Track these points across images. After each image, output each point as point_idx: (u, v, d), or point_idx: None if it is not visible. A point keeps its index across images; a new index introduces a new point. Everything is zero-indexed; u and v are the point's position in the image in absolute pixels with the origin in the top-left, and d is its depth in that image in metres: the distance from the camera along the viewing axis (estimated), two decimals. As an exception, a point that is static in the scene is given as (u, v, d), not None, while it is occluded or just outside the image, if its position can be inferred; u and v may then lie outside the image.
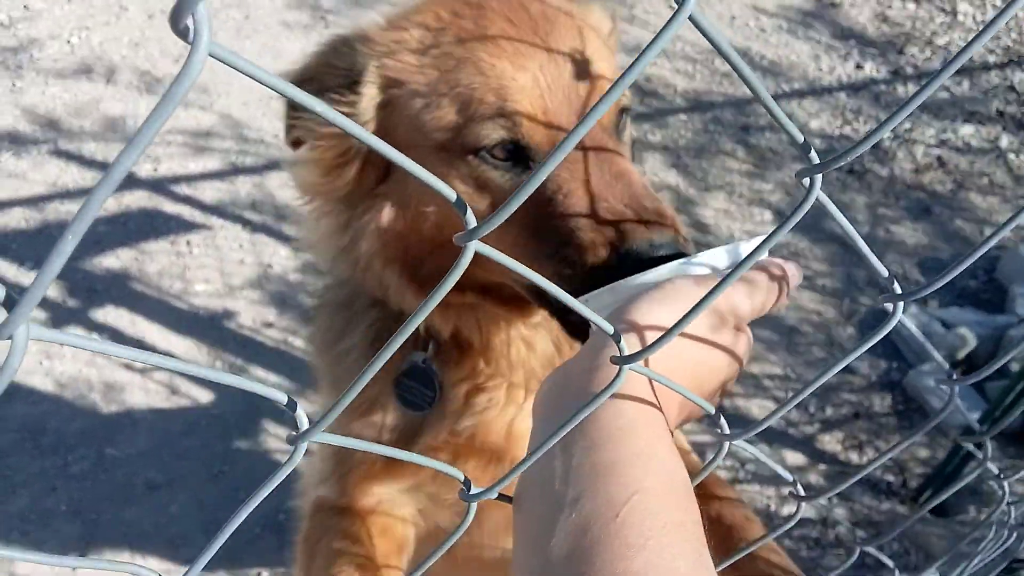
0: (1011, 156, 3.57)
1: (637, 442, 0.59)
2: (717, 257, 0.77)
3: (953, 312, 2.86)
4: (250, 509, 0.52)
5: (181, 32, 0.31)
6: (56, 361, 2.65)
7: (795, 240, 3.17)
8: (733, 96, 3.76)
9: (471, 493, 0.64)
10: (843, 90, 3.86)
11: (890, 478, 2.49)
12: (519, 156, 0.90)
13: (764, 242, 0.60)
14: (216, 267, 2.95)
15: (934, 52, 4.04)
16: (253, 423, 2.58)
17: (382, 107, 0.96)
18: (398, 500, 1.25)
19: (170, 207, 3.10)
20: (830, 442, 2.58)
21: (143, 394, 2.61)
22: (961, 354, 2.71)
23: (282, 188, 3.21)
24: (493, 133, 0.88)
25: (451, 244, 0.92)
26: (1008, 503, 1.15)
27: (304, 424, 0.50)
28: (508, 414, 1.15)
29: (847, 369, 2.78)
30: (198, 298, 2.86)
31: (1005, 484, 1.07)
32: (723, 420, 0.75)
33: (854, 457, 2.53)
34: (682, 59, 3.90)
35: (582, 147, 0.88)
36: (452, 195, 0.45)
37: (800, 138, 0.51)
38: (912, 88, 3.86)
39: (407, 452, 0.61)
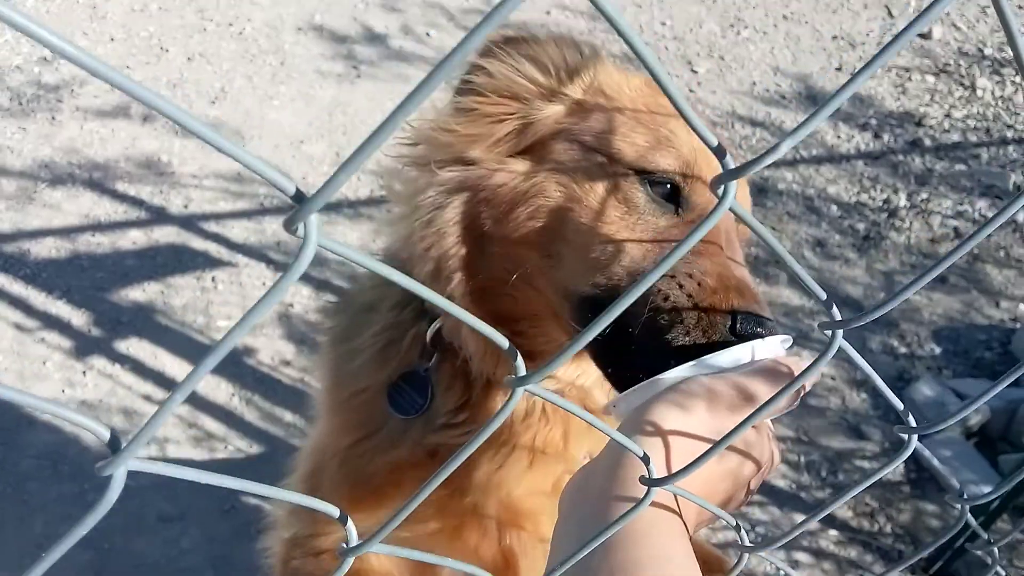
0: (1027, 230, 3.60)
1: (655, 545, 0.62)
2: (736, 354, 0.81)
3: (967, 383, 2.86)
4: None
5: (293, 232, 0.36)
6: (79, 389, 2.70)
7: (809, 303, 3.19)
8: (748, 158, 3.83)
9: None
10: (861, 158, 3.92)
11: (901, 547, 2.47)
12: (672, 198, 0.99)
13: (802, 375, 0.65)
14: (239, 304, 3.00)
15: (952, 125, 4.11)
16: (268, 462, 2.60)
17: (576, 104, 1.04)
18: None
19: (198, 243, 3.17)
20: (841, 508, 2.57)
21: (162, 427, 2.64)
22: (974, 425, 2.71)
23: (308, 230, 3.27)
24: (668, 166, 0.97)
25: (534, 248, 0.98)
26: None
27: (354, 539, 0.53)
28: (495, 468, 1.18)
29: (859, 435, 2.78)
30: (219, 333, 2.91)
31: None
32: (743, 532, 0.78)
33: (866, 524, 2.51)
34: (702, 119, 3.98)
35: (723, 237, 0.97)
36: (504, 343, 0.49)
37: (713, 141, 0.51)
38: (930, 160, 3.92)
39: (444, 558, 0.64)
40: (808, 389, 0.83)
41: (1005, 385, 0.75)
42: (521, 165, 1.02)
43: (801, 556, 2.40)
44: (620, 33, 0.41)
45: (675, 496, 0.70)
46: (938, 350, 3.09)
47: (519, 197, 1.00)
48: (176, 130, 3.59)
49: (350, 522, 0.55)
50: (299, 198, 0.37)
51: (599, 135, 0.99)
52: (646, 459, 0.65)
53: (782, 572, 2.41)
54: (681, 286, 0.90)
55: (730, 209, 0.53)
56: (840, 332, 0.62)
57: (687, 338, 0.87)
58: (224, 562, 2.35)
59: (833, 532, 2.50)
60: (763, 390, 0.77)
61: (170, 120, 0.35)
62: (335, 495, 1.25)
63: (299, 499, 0.53)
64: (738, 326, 0.86)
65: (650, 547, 0.63)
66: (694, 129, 0.50)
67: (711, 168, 0.97)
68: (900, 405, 0.73)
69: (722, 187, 0.51)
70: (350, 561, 0.55)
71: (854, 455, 2.72)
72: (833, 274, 3.36)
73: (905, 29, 0.48)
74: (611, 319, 0.54)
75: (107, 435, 0.39)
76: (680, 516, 0.70)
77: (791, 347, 0.91)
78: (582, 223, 0.96)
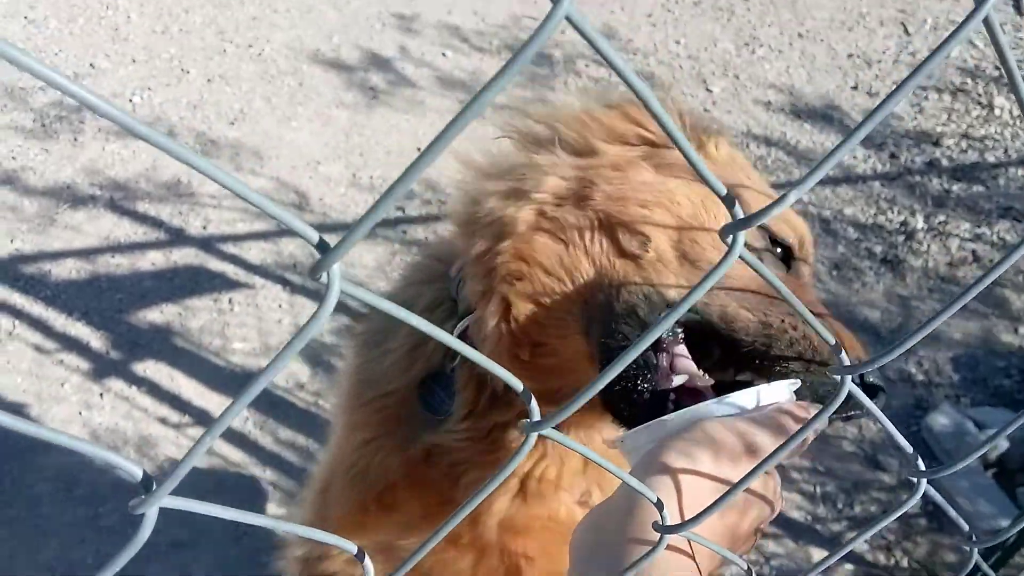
0: (1047, 254, 3.56)
1: None
2: (742, 398, 0.81)
3: (986, 411, 2.83)
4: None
5: (317, 279, 0.37)
6: (95, 412, 2.72)
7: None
8: (768, 182, 3.81)
9: None
10: (877, 179, 3.90)
11: (918, 581, 2.44)
12: (785, 260, 1.10)
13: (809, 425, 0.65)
14: (255, 326, 3.03)
15: (970, 145, 4.08)
16: (280, 487, 2.62)
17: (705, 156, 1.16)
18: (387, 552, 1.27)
19: (216, 264, 3.20)
20: (859, 544, 2.54)
21: (175, 449, 2.66)
22: (993, 456, 2.68)
23: (323, 252, 3.30)
24: (787, 236, 1.09)
25: (637, 236, 1.01)
26: None
27: (371, 574, 0.54)
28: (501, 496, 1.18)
29: (876, 466, 2.75)
30: (235, 356, 2.93)
31: None
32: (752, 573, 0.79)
33: (881, 558, 2.49)
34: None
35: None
36: (519, 386, 0.50)
37: (723, 191, 0.51)
38: (947, 181, 3.89)
39: None
40: (814, 437, 0.83)
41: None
42: (649, 172, 1.07)
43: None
44: (638, 95, 0.42)
45: (689, 543, 0.71)
46: (956, 377, 3.06)
47: (645, 191, 1.03)
48: (196, 150, 3.63)
49: (367, 560, 0.56)
50: (323, 248, 0.39)
51: (729, 185, 1.05)
52: (660, 505, 0.66)
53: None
54: (794, 328, 0.96)
55: (740, 257, 0.54)
56: (849, 378, 0.63)
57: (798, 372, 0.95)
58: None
59: (849, 566, 2.48)
60: (767, 441, 0.78)
61: (190, 166, 0.37)
62: (343, 500, 1.26)
63: (323, 536, 0.54)
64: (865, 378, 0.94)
65: None
66: (703, 178, 0.50)
67: (810, 241, 1.11)
68: (910, 449, 0.74)
69: (731, 236, 0.52)
70: None
71: (871, 486, 2.69)
72: (850, 298, 3.34)
73: (921, 64, 0.48)
74: (639, 351, 0.54)
75: (140, 474, 0.40)
76: (693, 558, 0.70)
77: (797, 390, 0.91)
78: (697, 243, 1.00)
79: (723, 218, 1.00)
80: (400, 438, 1.22)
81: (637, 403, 0.92)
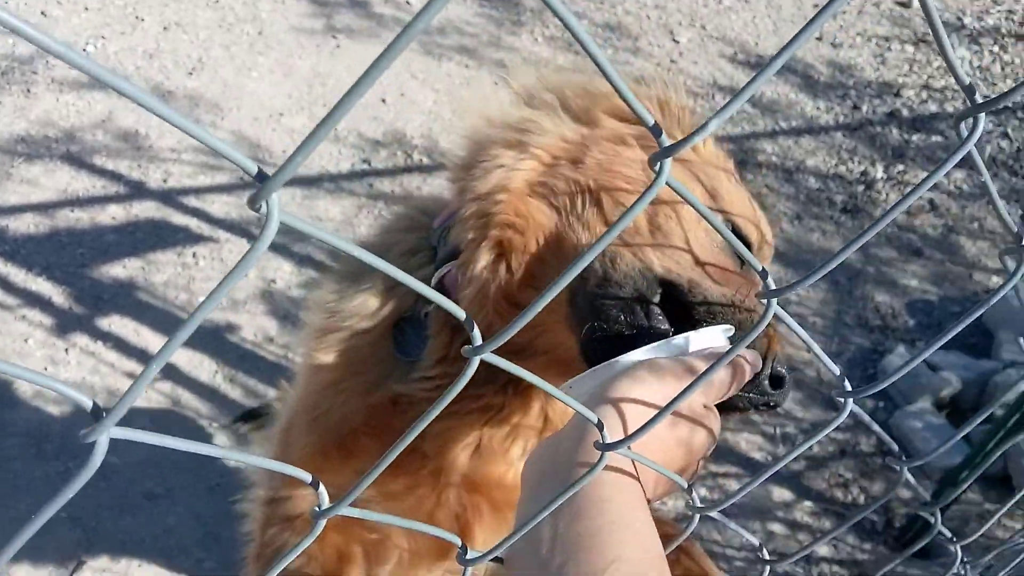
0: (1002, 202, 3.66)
1: (616, 511, 0.66)
2: (681, 341, 0.88)
3: (940, 355, 2.93)
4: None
5: (257, 210, 0.38)
6: (61, 367, 2.70)
7: (786, 276, 3.24)
8: (731, 133, 3.84)
9: (468, 558, 0.70)
10: (839, 130, 3.94)
11: (874, 518, 2.55)
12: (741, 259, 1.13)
13: (733, 348, 0.69)
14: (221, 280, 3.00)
15: (930, 96, 4.14)
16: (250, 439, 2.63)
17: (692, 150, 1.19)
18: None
19: (179, 219, 3.16)
20: (816, 479, 2.64)
21: (145, 403, 2.65)
22: (946, 397, 2.78)
23: (288, 204, 3.27)
24: (752, 236, 1.13)
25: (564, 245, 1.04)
26: (963, 561, 1.22)
27: (326, 502, 0.56)
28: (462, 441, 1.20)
29: (834, 407, 2.84)
30: (202, 310, 2.91)
31: (958, 547, 1.14)
32: (695, 494, 0.82)
33: (839, 495, 2.59)
34: (684, 93, 3.98)
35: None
36: (461, 315, 0.51)
37: (650, 120, 0.52)
38: (907, 131, 3.95)
39: (412, 521, 0.67)
40: (754, 367, 0.90)
41: (929, 353, 0.79)
42: (640, 152, 1.11)
43: (776, 527, 2.48)
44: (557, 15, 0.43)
45: (634, 465, 0.74)
46: (912, 322, 3.16)
47: (633, 167, 1.08)
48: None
49: (322, 487, 0.58)
50: (261, 177, 0.40)
51: (711, 179, 1.13)
52: (600, 425, 0.69)
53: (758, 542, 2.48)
54: (743, 303, 1.00)
55: (667, 184, 0.56)
56: (775, 301, 0.66)
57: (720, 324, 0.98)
58: (211, 539, 2.39)
59: (808, 503, 2.58)
60: (705, 366, 0.83)
61: (136, 103, 0.37)
62: (303, 442, 1.26)
63: (275, 465, 0.56)
64: (772, 370, 0.97)
65: (611, 513, 0.67)
66: (629, 105, 0.51)
67: (767, 252, 1.15)
68: (837, 370, 0.78)
69: (658, 164, 0.54)
70: (322, 523, 0.58)
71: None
72: (811, 245, 3.41)
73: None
74: (570, 278, 0.57)
75: (90, 404, 0.42)
76: (639, 483, 0.74)
77: (732, 336, 0.97)
78: (672, 218, 1.06)
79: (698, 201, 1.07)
80: (366, 381, 1.21)
81: (614, 346, 0.95)
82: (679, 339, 0.89)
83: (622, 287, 1.01)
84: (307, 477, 0.57)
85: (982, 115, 0.58)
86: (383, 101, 3.72)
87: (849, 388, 0.75)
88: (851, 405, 0.76)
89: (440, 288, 1.14)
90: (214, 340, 2.83)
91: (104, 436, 0.42)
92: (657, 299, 1.01)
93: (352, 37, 3.97)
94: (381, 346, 1.21)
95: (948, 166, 0.60)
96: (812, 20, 0.50)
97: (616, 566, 0.62)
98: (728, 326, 0.94)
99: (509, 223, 1.07)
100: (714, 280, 1.02)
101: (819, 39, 4.39)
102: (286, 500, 1.29)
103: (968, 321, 0.74)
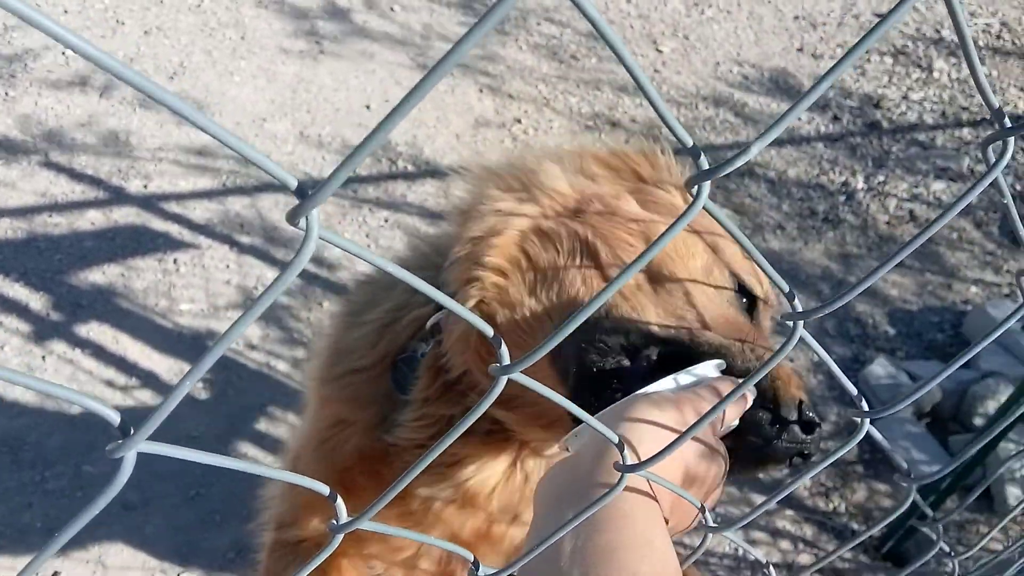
0: (980, 213, 3.70)
1: (635, 528, 0.66)
2: (705, 369, 0.87)
3: (919, 364, 2.96)
4: None
5: (296, 225, 0.37)
6: (39, 374, 2.65)
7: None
8: (714, 143, 3.87)
9: (480, 574, 0.70)
10: (820, 140, 3.98)
11: (855, 526, 2.56)
12: (748, 311, 1.14)
13: (747, 380, 0.69)
14: (202, 287, 2.97)
15: (910, 107, 4.19)
16: (232, 446, 2.60)
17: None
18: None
19: (159, 224, 3.12)
20: (798, 488, 2.65)
21: (124, 412, 2.62)
22: (926, 406, 2.81)
23: (271, 210, 3.25)
24: (757, 292, 1.15)
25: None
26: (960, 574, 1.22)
27: (344, 516, 0.55)
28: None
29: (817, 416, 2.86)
30: (183, 317, 2.88)
31: (955, 561, 1.14)
32: (707, 514, 0.82)
33: (821, 504, 2.60)
34: (667, 102, 4.01)
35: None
36: (489, 331, 0.51)
37: (689, 141, 0.52)
38: (887, 142, 4.00)
39: (427, 536, 0.66)
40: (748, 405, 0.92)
41: (954, 369, 0.79)
42: (636, 207, 1.14)
43: (758, 535, 2.49)
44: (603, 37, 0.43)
45: (651, 486, 0.74)
46: (892, 332, 3.19)
47: (631, 218, 1.10)
48: (134, 106, 3.51)
49: (339, 500, 0.58)
50: (301, 193, 0.39)
51: (710, 234, 1.14)
52: (620, 445, 0.69)
53: (740, 549, 2.49)
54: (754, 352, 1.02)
55: (704, 208, 0.55)
56: (801, 323, 0.66)
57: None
58: (189, 549, 2.36)
59: (789, 511, 2.59)
60: (717, 397, 0.85)
61: (169, 109, 0.36)
62: (309, 474, 1.27)
63: (293, 478, 0.56)
64: (802, 416, 0.97)
65: (631, 529, 0.67)
66: (670, 128, 0.50)
67: (774, 305, 1.17)
68: (854, 390, 0.78)
69: (696, 187, 0.53)
70: (339, 538, 0.58)
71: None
72: (792, 255, 3.43)
73: (877, 24, 0.50)
74: (596, 306, 0.56)
75: (117, 419, 0.41)
76: (657, 501, 0.74)
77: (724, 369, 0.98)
78: (678, 267, 1.07)
79: (697, 257, 1.09)
80: (369, 418, 1.24)
81: (604, 398, 0.96)
82: (670, 378, 0.90)
83: (610, 335, 1.01)
84: (325, 490, 0.56)
85: (1011, 139, 0.58)
86: (367, 108, 3.71)
87: (866, 408, 0.75)
88: (867, 425, 0.76)
89: (436, 329, 1.17)
90: (195, 348, 2.80)
91: (132, 452, 0.41)
92: (654, 353, 1.01)
93: (336, 43, 3.96)
94: (381, 384, 1.23)
95: (978, 189, 0.60)
96: (872, 29, 0.49)
97: None
98: (719, 360, 0.95)
99: (499, 268, 1.08)
100: (739, 341, 1.03)
101: (800, 50, 4.44)
102: (293, 526, 1.32)
103: (1001, 331, 0.74)
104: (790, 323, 0.66)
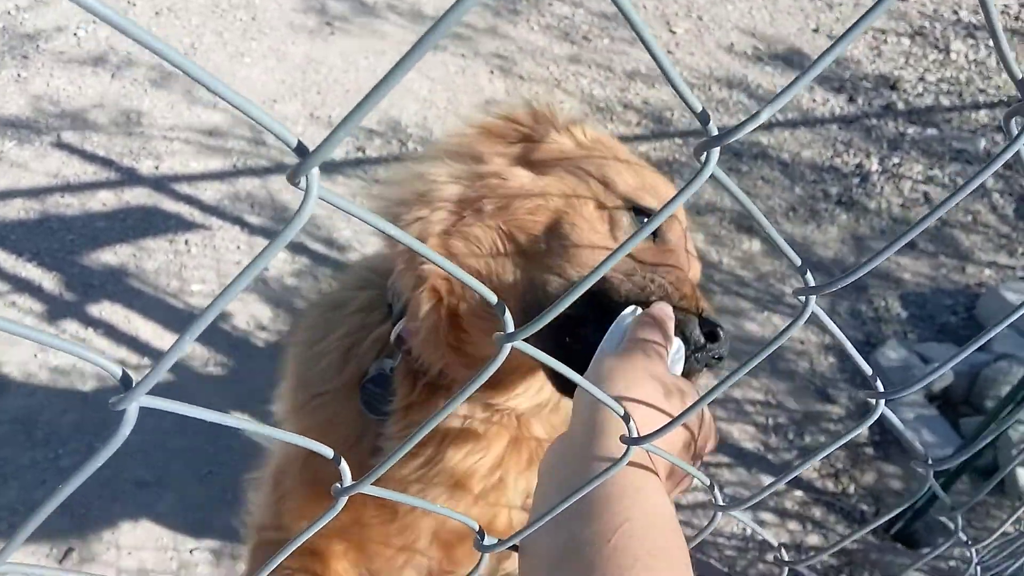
0: (996, 196, 3.66)
1: (626, 478, 0.66)
2: (621, 323, 0.95)
3: (931, 347, 2.93)
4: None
5: (296, 184, 0.37)
6: (51, 354, 2.68)
7: (782, 268, 3.24)
8: (727, 124, 3.83)
9: (485, 544, 0.70)
10: (835, 122, 3.94)
11: (864, 507, 2.56)
12: (653, 233, 1.14)
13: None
14: (213, 267, 2.99)
15: (926, 89, 4.13)
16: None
17: (579, 144, 1.22)
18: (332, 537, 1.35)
19: (170, 205, 3.14)
20: (807, 470, 2.64)
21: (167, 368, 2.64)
22: (937, 389, 2.79)
23: (282, 191, 3.25)
24: (651, 204, 1.15)
25: (524, 236, 1.09)
26: (976, 564, 1.21)
27: (348, 479, 0.55)
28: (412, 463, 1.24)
29: (826, 399, 2.85)
30: (194, 298, 2.90)
31: (973, 550, 1.13)
32: (716, 491, 0.82)
33: (830, 485, 2.59)
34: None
35: (681, 259, 1.16)
36: (493, 298, 0.50)
37: (698, 107, 0.51)
38: (902, 124, 3.95)
39: (432, 503, 0.67)
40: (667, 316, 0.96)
41: (971, 351, 0.78)
42: (526, 174, 1.16)
43: (767, 516, 2.48)
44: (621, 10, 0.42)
45: (649, 457, 0.74)
46: (904, 314, 3.16)
47: (524, 195, 1.13)
48: (146, 86, 3.52)
49: (344, 464, 0.58)
50: (302, 151, 0.39)
51: (599, 167, 1.17)
52: (627, 418, 0.69)
53: (748, 530, 2.49)
54: (653, 281, 1.04)
55: (712, 176, 0.54)
56: (814, 298, 0.64)
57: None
58: (201, 527, 2.38)
59: (798, 492, 2.58)
60: (655, 336, 0.88)
61: (187, 74, 0.36)
62: (297, 496, 1.34)
63: (297, 439, 0.56)
64: (704, 328, 1.00)
65: (622, 480, 0.67)
66: (679, 93, 0.49)
67: (680, 211, 1.16)
68: (869, 370, 0.77)
69: (705, 153, 0.52)
70: (343, 501, 0.58)
71: (821, 418, 2.79)
72: (805, 238, 3.41)
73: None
74: (580, 292, 0.56)
75: (119, 372, 0.42)
76: (649, 458, 0.74)
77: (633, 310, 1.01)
78: (575, 226, 1.10)
79: (591, 203, 1.13)
80: (343, 438, 1.26)
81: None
82: (608, 336, 0.93)
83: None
84: (329, 453, 0.57)
85: (1036, 111, 0.56)
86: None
87: (881, 389, 0.74)
88: (883, 407, 0.75)
89: (400, 341, 1.20)
90: (207, 328, 2.81)
91: (134, 405, 0.42)
92: (587, 310, 1.03)
93: (346, 24, 3.94)
94: (349, 406, 1.26)
95: (997, 164, 0.58)
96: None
97: (628, 525, 0.63)
98: (632, 307, 0.99)
99: (435, 272, 1.12)
100: (624, 273, 1.05)
101: (816, 31, 4.38)
102: (277, 529, 1.35)
103: (1019, 315, 0.73)
104: (801, 298, 0.65)
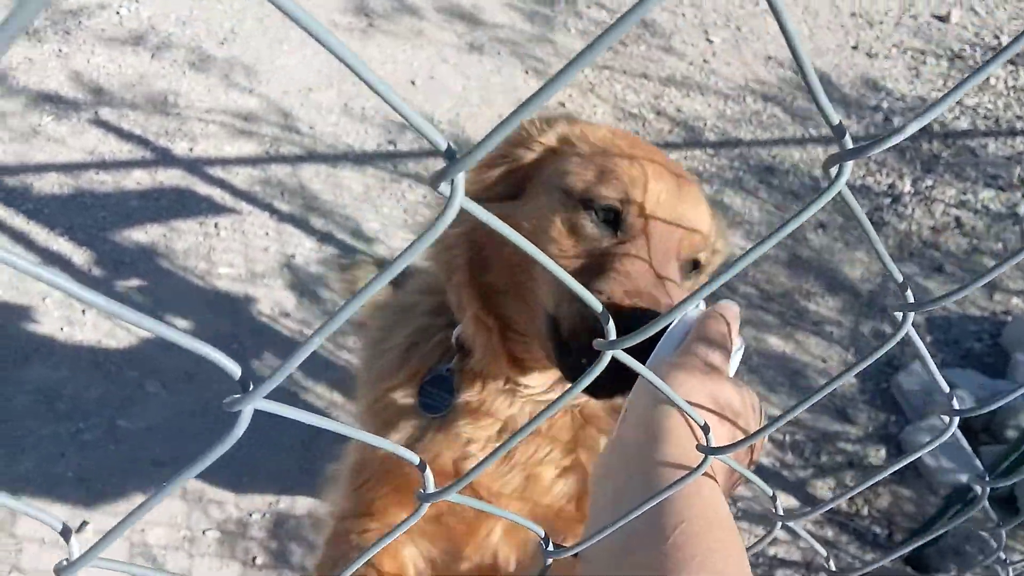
0: (1028, 224, 3.62)
1: (715, 508, 0.67)
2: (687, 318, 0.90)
3: (955, 373, 2.91)
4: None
5: (439, 190, 0.38)
6: (77, 329, 2.72)
7: (807, 284, 3.22)
8: (759, 137, 3.81)
9: (549, 551, 0.71)
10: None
11: (877, 529, 2.54)
12: (613, 223, 1.12)
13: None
14: (241, 252, 3.01)
15: (963, 112, 4.09)
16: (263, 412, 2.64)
17: (549, 150, 1.21)
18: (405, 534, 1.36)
19: (202, 188, 3.17)
20: (821, 488, 2.63)
21: (160, 370, 2.67)
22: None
23: (313, 180, 3.27)
24: (608, 194, 1.11)
25: (520, 266, 1.07)
26: None
27: (431, 486, 0.56)
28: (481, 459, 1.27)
29: (845, 419, 2.83)
30: (221, 281, 2.92)
31: (1010, 570, 1.12)
32: (778, 502, 0.82)
33: (844, 506, 2.58)
34: (714, 94, 3.96)
35: (656, 255, 1.10)
36: (598, 307, 0.51)
37: (835, 119, 0.50)
38: (937, 147, 3.91)
39: (503, 510, 0.67)
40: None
41: None
42: (509, 207, 1.17)
43: (778, 533, 2.47)
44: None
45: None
46: (929, 338, 3.13)
47: (491, 236, 1.15)
48: (184, 68, 3.55)
49: (428, 471, 0.59)
50: (451, 155, 0.39)
51: (560, 174, 1.15)
52: (706, 428, 0.69)
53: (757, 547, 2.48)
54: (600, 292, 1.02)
55: (839, 194, 0.53)
56: (912, 314, 0.64)
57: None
58: (215, 508, 2.41)
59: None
60: (716, 358, 0.85)
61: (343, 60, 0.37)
62: (378, 486, 1.37)
63: (390, 446, 0.57)
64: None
65: (703, 503, 0.67)
66: (818, 104, 0.48)
67: (647, 194, 1.11)
68: (947, 388, 0.77)
69: (837, 167, 0.51)
70: (426, 507, 0.59)
71: (839, 437, 2.77)
72: (832, 255, 3.38)
73: None
74: (649, 334, 0.56)
75: (238, 372, 0.42)
76: (716, 480, 0.74)
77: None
78: (546, 248, 1.10)
79: (557, 218, 1.12)
80: (403, 440, 1.29)
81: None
82: (667, 337, 0.90)
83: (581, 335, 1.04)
84: (415, 459, 0.58)
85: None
86: (412, 83, 3.71)
87: (957, 407, 0.74)
88: (955, 424, 0.74)
89: (459, 345, 1.24)
90: (231, 312, 2.84)
91: (249, 407, 0.42)
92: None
93: (386, 19, 3.96)
94: (410, 405, 1.28)
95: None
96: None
97: (685, 525, 0.63)
98: (694, 306, 0.94)
99: (461, 279, 1.19)
100: (597, 291, 1.03)
101: (855, 48, 4.35)
102: (352, 520, 1.37)
103: None
104: (898, 315, 0.64)
